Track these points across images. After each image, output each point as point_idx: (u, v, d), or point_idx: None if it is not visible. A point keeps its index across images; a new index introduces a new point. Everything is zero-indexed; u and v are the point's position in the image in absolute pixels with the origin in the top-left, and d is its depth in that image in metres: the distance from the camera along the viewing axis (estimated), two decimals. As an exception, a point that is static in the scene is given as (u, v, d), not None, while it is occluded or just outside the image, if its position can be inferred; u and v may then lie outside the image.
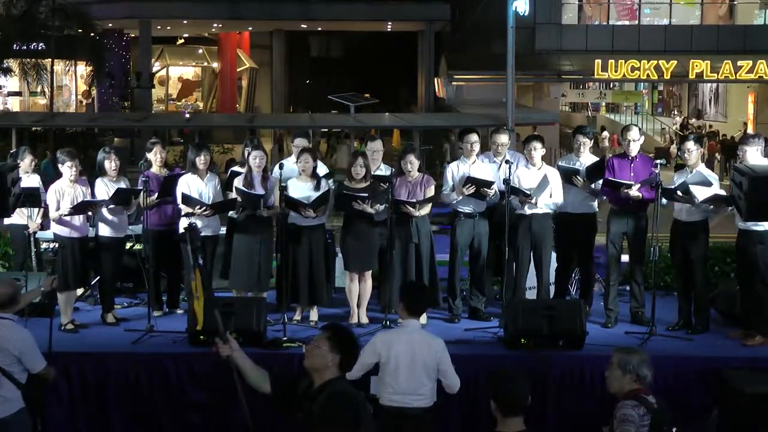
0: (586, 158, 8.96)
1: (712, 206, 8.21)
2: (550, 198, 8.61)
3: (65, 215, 8.36)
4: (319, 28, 39.09)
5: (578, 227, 8.85)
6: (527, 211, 8.62)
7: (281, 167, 8.47)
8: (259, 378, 5.02)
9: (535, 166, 8.72)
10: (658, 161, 8.43)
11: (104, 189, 8.64)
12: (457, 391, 6.11)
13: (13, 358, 5.94)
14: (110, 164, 8.72)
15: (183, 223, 8.73)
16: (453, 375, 6.01)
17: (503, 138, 9.07)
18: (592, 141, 9.13)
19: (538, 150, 8.70)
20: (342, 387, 4.60)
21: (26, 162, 9.49)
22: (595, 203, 8.95)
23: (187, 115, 33.70)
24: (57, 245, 7.98)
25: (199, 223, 8.67)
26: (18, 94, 40.42)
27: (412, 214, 8.50)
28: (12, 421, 5.94)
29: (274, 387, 4.94)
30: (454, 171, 8.83)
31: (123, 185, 8.72)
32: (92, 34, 28.80)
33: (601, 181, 8.71)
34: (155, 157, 9.04)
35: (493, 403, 4.65)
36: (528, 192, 8.48)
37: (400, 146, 28.60)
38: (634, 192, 8.42)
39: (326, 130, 33.32)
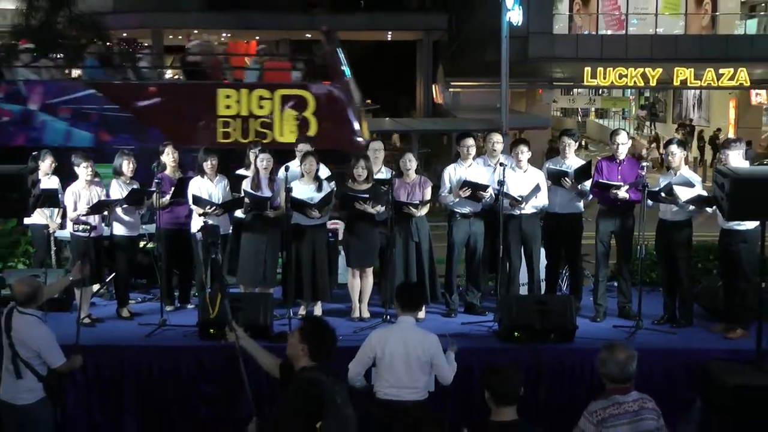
0: (572, 160, 8.99)
1: (693, 206, 8.23)
2: (536, 200, 8.64)
3: (83, 215, 8.37)
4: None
5: (565, 226, 8.88)
6: (516, 212, 8.64)
7: (287, 169, 8.48)
8: (271, 364, 5.18)
9: (521, 169, 8.74)
10: (644, 164, 8.45)
11: (118, 190, 8.66)
12: (450, 382, 6.08)
13: (34, 352, 5.95)
14: (128, 166, 8.73)
15: (195, 223, 8.77)
16: (446, 368, 5.98)
17: (498, 136, 9.10)
18: (577, 143, 9.17)
19: (524, 153, 8.74)
20: (308, 375, 4.63)
21: (46, 164, 9.50)
22: (581, 203, 8.97)
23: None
24: (87, 233, 8.08)
25: (210, 223, 8.72)
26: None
27: (414, 214, 8.51)
28: (34, 408, 5.99)
29: (281, 373, 5.00)
30: (452, 174, 8.83)
31: (135, 187, 8.73)
32: (107, 44, 28.74)
33: (587, 182, 8.76)
34: (168, 158, 9.04)
35: (488, 393, 4.65)
36: (518, 198, 8.52)
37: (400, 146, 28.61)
38: (623, 193, 8.44)
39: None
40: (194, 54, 13.63)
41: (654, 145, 35.21)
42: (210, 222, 8.62)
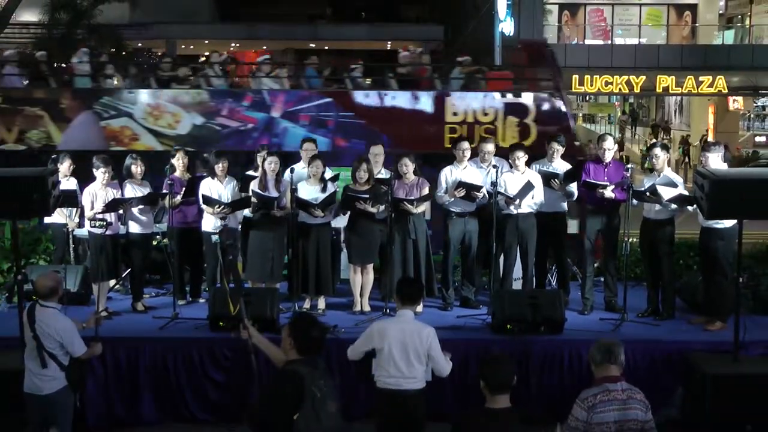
0: (558, 163, 8.98)
1: (676, 205, 8.22)
2: (532, 199, 8.63)
3: (99, 214, 8.38)
4: (326, 47, 39.08)
5: (551, 225, 8.87)
6: (513, 211, 8.63)
7: (292, 171, 8.47)
8: (281, 359, 5.11)
9: (519, 171, 8.74)
10: (629, 166, 8.44)
11: (132, 191, 8.68)
12: (447, 374, 6.03)
13: (57, 343, 5.94)
14: (137, 169, 8.77)
15: (206, 222, 8.78)
16: (442, 360, 5.91)
17: (489, 146, 9.07)
18: (564, 148, 9.16)
19: (521, 158, 8.72)
20: (291, 368, 4.59)
21: (65, 166, 9.48)
22: (565, 203, 8.97)
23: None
24: (103, 228, 8.17)
25: (219, 221, 8.72)
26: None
27: (411, 210, 8.50)
28: (56, 397, 5.97)
29: None
30: (448, 175, 8.81)
31: (147, 188, 8.76)
32: (123, 53, 28.74)
33: (573, 184, 8.75)
34: (178, 162, 9.08)
35: (482, 382, 4.63)
36: (511, 195, 8.51)
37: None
38: (609, 192, 8.44)
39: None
40: (404, 65, 13.73)
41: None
42: (229, 225, 8.65)
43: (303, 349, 4.65)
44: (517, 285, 9.01)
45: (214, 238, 8.66)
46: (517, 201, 8.54)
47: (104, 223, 8.27)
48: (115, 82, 12.63)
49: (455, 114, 12.06)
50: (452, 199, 8.67)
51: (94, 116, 11.90)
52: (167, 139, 11.87)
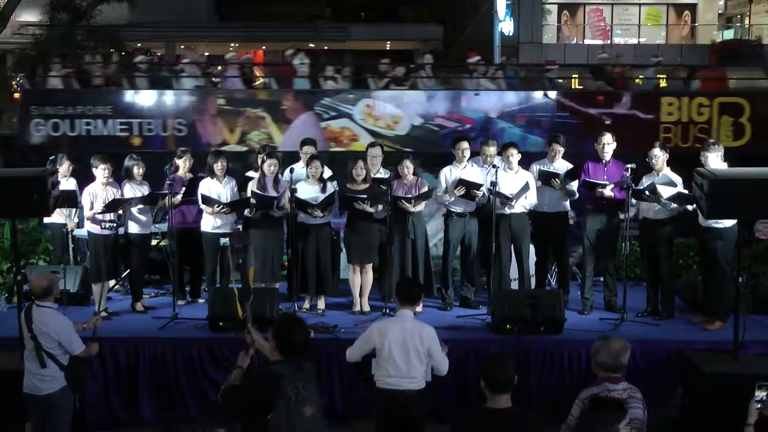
0: (559, 163, 8.98)
1: (675, 204, 8.22)
2: (526, 200, 8.62)
3: (99, 214, 8.38)
4: (326, 47, 39.13)
5: (553, 224, 8.87)
6: (507, 210, 8.63)
7: (291, 171, 8.46)
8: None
9: (512, 170, 8.73)
10: (629, 165, 8.42)
11: (131, 191, 8.68)
12: (445, 374, 6.03)
13: (55, 342, 5.94)
14: (138, 170, 8.77)
15: (205, 221, 8.76)
16: (442, 359, 5.90)
17: (492, 149, 9.06)
18: (564, 149, 9.14)
19: (514, 155, 8.72)
20: (270, 369, 4.61)
21: (64, 167, 9.49)
22: (567, 203, 8.96)
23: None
24: (113, 229, 8.27)
25: (218, 221, 8.71)
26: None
27: (409, 209, 8.48)
28: (56, 397, 5.97)
29: None
30: (447, 175, 8.81)
31: (146, 189, 8.75)
32: (122, 53, 28.70)
33: (574, 183, 8.74)
34: (185, 164, 9.10)
35: (483, 382, 4.62)
36: (509, 195, 8.50)
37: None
38: (608, 192, 8.44)
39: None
40: (602, 65, 13.84)
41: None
42: (240, 228, 8.65)
43: (285, 352, 4.66)
44: (514, 285, 9.01)
45: (223, 240, 8.66)
46: (514, 201, 8.55)
47: (114, 224, 8.25)
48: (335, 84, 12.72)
49: (670, 114, 12.04)
50: (452, 199, 8.66)
51: (314, 117, 11.94)
52: (386, 140, 11.87)
